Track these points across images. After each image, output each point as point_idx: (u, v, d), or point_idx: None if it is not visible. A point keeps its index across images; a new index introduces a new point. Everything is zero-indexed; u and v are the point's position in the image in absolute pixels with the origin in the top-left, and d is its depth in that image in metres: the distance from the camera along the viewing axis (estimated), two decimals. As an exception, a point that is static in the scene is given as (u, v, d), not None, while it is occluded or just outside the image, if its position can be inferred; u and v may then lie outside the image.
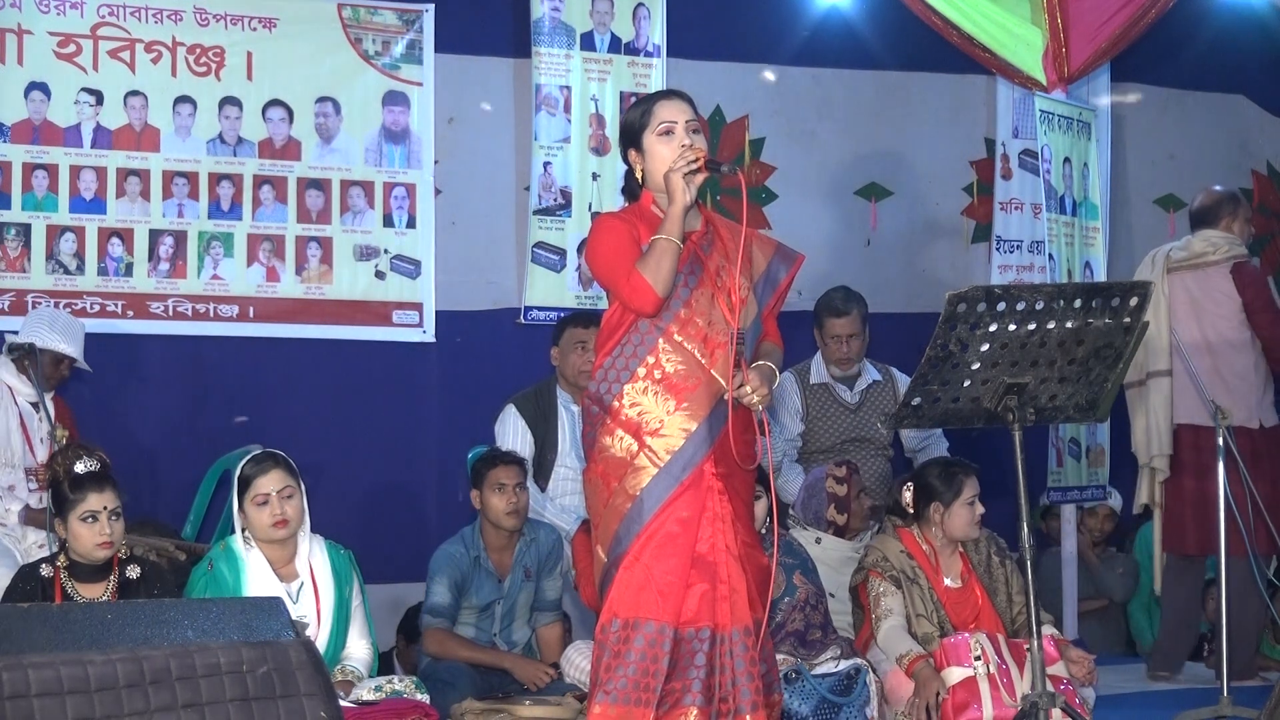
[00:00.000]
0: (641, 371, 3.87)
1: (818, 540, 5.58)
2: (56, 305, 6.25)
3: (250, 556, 4.68)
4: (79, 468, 4.50)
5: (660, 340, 3.87)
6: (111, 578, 4.53)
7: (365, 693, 4.58)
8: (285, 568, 4.74)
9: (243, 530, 4.71)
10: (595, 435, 3.92)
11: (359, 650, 4.81)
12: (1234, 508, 5.57)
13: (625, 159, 4.04)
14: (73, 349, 5.51)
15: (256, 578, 4.65)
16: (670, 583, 3.78)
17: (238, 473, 4.74)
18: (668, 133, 3.91)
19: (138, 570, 4.59)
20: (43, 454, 5.35)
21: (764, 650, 3.94)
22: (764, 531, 4.54)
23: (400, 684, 4.67)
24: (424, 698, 4.63)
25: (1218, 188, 6.44)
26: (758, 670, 3.85)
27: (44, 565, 4.55)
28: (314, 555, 4.77)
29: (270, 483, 4.68)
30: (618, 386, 3.88)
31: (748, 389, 3.83)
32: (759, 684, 3.84)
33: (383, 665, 5.56)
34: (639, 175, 3.99)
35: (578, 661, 5.15)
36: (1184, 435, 6.11)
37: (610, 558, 3.86)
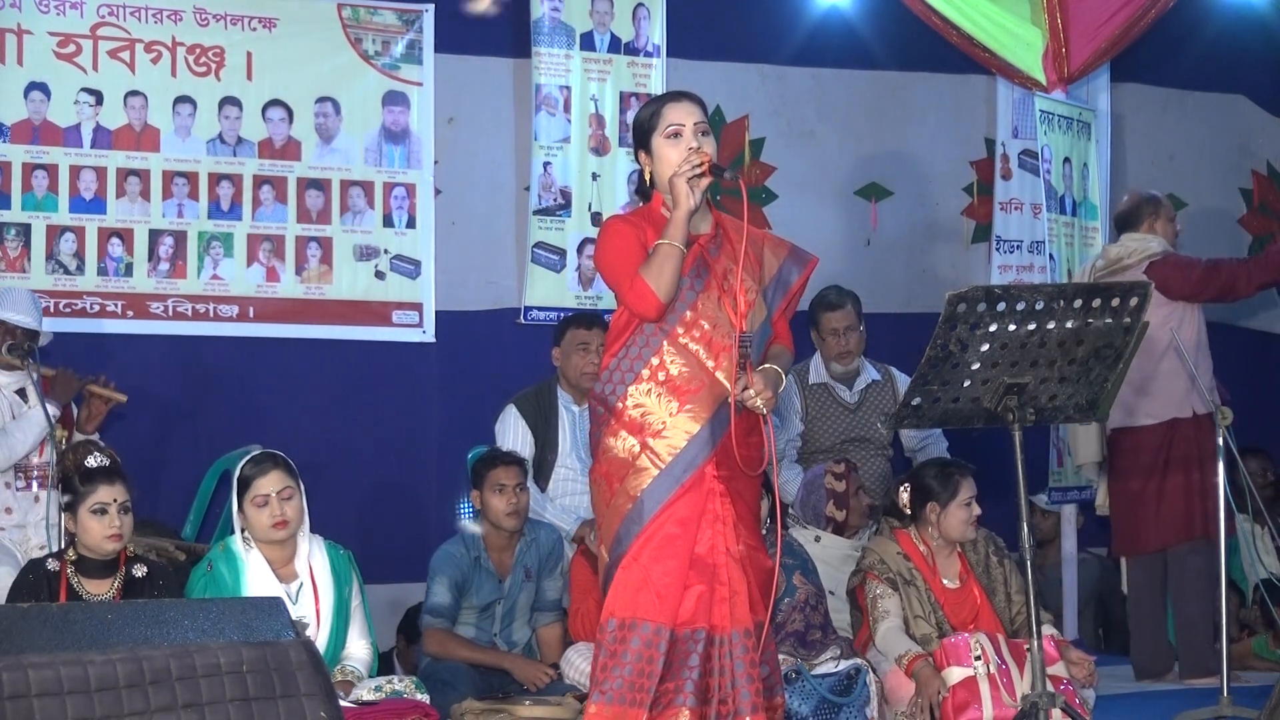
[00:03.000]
0: (645, 373, 3.87)
1: (817, 539, 5.59)
2: (56, 305, 6.25)
3: (249, 557, 4.68)
4: (90, 462, 4.52)
5: (665, 342, 3.87)
6: (118, 575, 4.54)
7: (365, 693, 4.58)
8: (285, 568, 4.74)
9: (242, 531, 4.72)
10: (600, 436, 3.93)
11: (359, 650, 4.81)
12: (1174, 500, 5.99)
13: (636, 160, 4.04)
14: (36, 321, 5.47)
15: (256, 578, 4.65)
16: (668, 584, 3.78)
17: (237, 473, 4.74)
18: (676, 135, 3.90)
19: (144, 569, 4.59)
20: (47, 452, 5.35)
21: (766, 653, 3.94)
22: (764, 531, 4.54)
23: (400, 684, 4.68)
24: (424, 698, 4.63)
25: (1140, 190, 6.47)
26: (758, 672, 3.84)
27: (51, 560, 4.56)
28: (313, 556, 4.77)
29: (270, 484, 4.68)
30: (622, 388, 3.88)
31: (751, 392, 3.83)
32: (759, 686, 3.83)
33: (383, 665, 5.56)
34: (648, 176, 3.98)
35: (578, 663, 5.15)
36: (1116, 439, 6.20)
37: (611, 558, 3.87)
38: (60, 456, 4.79)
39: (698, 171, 3.82)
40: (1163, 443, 6.08)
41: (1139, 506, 6.15)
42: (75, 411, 5.52)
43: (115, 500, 4.48)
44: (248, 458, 4.79)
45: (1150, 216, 6.26)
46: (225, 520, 5.88)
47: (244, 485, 4.70)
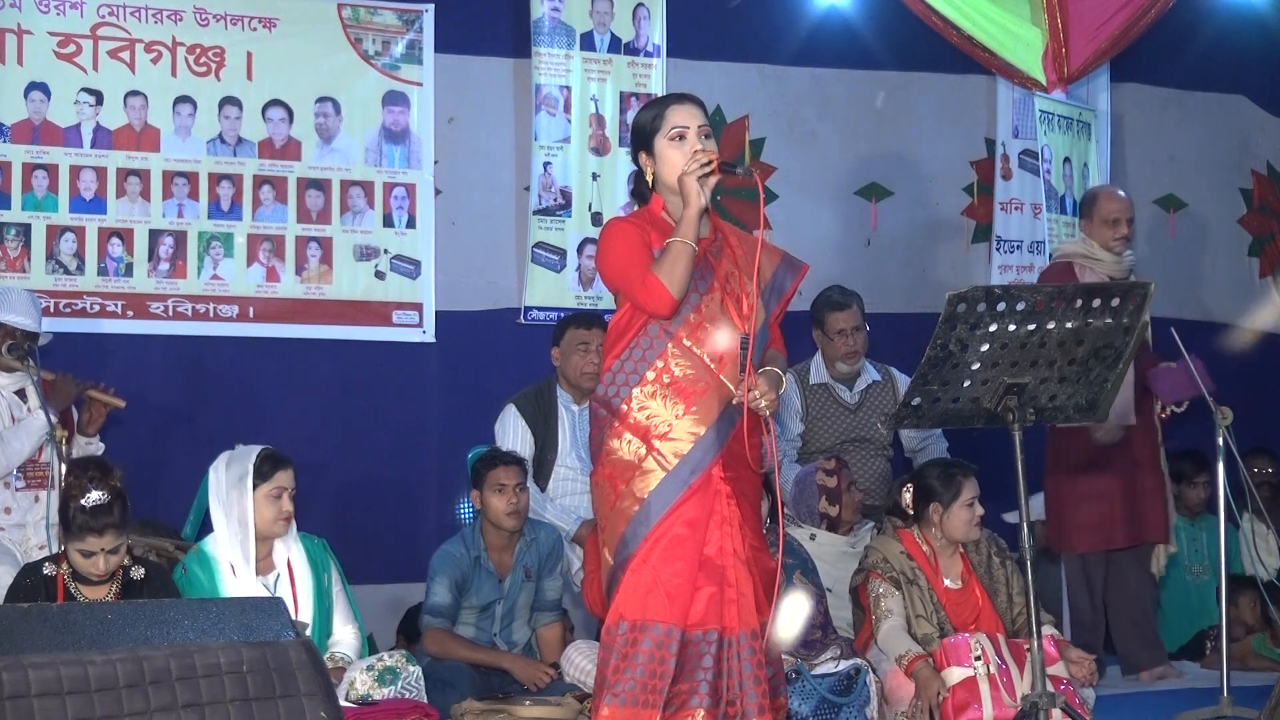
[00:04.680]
0: (650, 375, 3.87)
1: (813, 536, 5.60)
2: (56, 305, 6.25)
3: (222, 556, 4.72)
4: (85, 501, 4.42)
5: (669, 345, 3.87)
6: (115, 579, 4.53)
7: (358, 674, 4.60)
8: (261, 561, 4.79)
9: (244, 519, 4.74)
10: (603, 438, 3.91)
11: (345, 636, 4.88)
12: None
13: (635, 161, 4.03)
14: (36, 323, 5.47)
15: (230, 577, 4.70)
16: (678, 585, 3.78)
17: (254, 464, 4.80)
18: (680, 138, 3.90)
19: (141, 571, 4.59)
20: (47, 452, 5.34)
21: (770, 654, 3.94)
22: (764, 531, 4.54)
23: (391, 660, 4.72)
24: (415, 669, 4.69)
25: (1093, 186, 6.41)
26: (764, 674, 3.84)
27: (47, 564, 4.55)
28: (290, 547, 4.83)
29: (287, 478, 4.82)
30: (626, 390, 3.87)
31: (756, 393, 3.83)
32: (765, 687, 3.84)
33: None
34: (649, 179, 3.98)
35: (578, 661, 5.15)
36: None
37: (616, 560, 3.85)
38: (65, 471, 4.74)
39: (706, 171, 3.82)
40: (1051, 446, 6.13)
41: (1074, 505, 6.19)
42: (75, 414, 5.52)
43: (102, 550, 4.44)
44: (262, 451, 4.85)
45: (1085, 217, 6.15)
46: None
47: (263, 475, 4.79)
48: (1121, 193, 6.21)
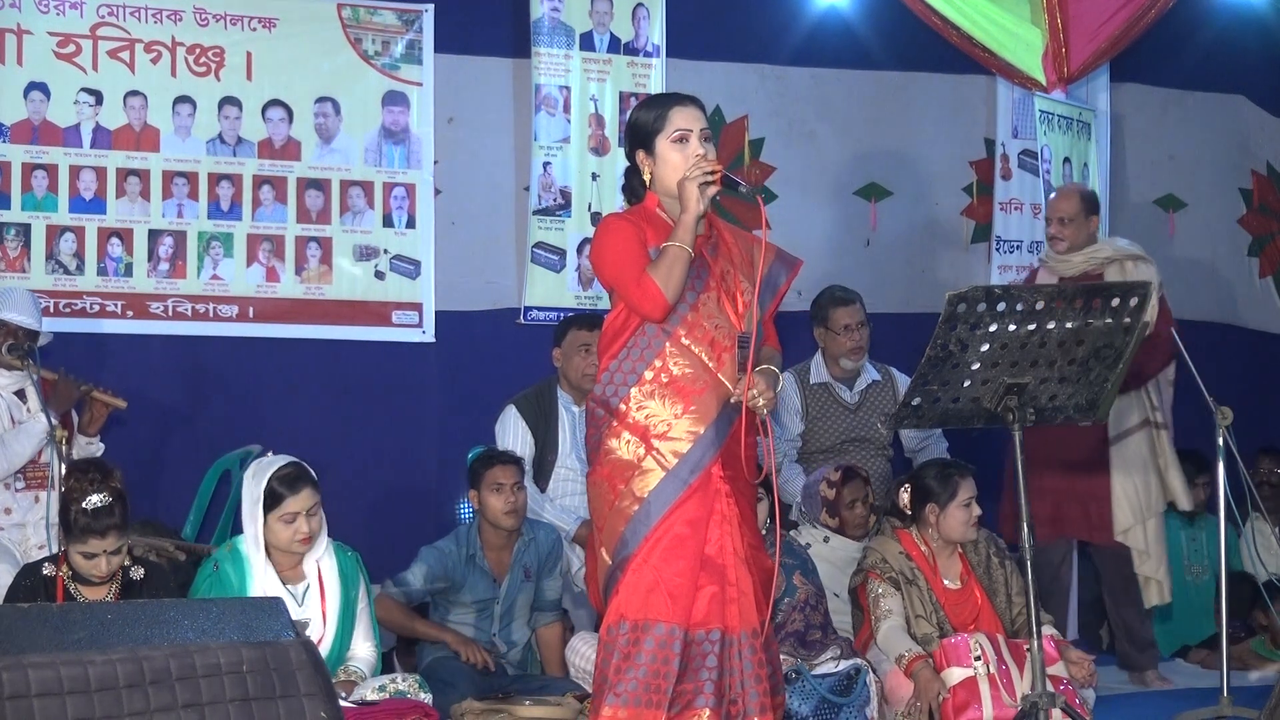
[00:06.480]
0: (649, 375, 3.86)
1: (826, 539, 5.59)
2: (56, 305, 6.25)
3: (256, 559, 4.67)
4: (87, 504, 4.41)
5: (667, 344, 3.87)
6: (115, 580, 4.53)
7: (369, 692, 4.57)
8: (293, 570, 4.73)
9: (257, 538, 4.68)
10: (601, 438, 3.91)
11: (363, 651, 4.81)
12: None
13: (631, 158, 4.02)
14: (36, 322, 5.46)
15: (262, 580, 4.65)
16: (680, 585, 3.78)
17: (264, 485, 4.66)
18: (683, 140, 3.90)
19: (141, 571, 4.58)
20: (47, 453, 5.34)
21: (770, 652, 3.94)
22: (764, 532, 4.54)
23: (404, 684, 4.67)
24: (426, 697, 4.63)
25: (1090, 185, 6.48)
26: (765, 672, 3.85)
27: (47, 565, 4.55)
28: (322, 558, 4.77)
29: (300, 502, 4.66)
30: (624, 390, 3.87)
31: (754, 392, 3.83)
32: (766, 686, 3.84)
33: (383, 665, 5.55)
34: (647, 177, 3.98)
35: (582, 650, 5.16)
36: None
37: (615, 560, 3.85)
38: (66, 473, 4.73)
39: (709, 179, 3.81)
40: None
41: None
42: (75, 415, 5.51)
43: (104, 551, 4.43)
44: (277, 468, 4.70)
45: None
46: (226, 520, 5.89)
47: (273, 499, 4.65)
48: (1066, 189, 6.24)
